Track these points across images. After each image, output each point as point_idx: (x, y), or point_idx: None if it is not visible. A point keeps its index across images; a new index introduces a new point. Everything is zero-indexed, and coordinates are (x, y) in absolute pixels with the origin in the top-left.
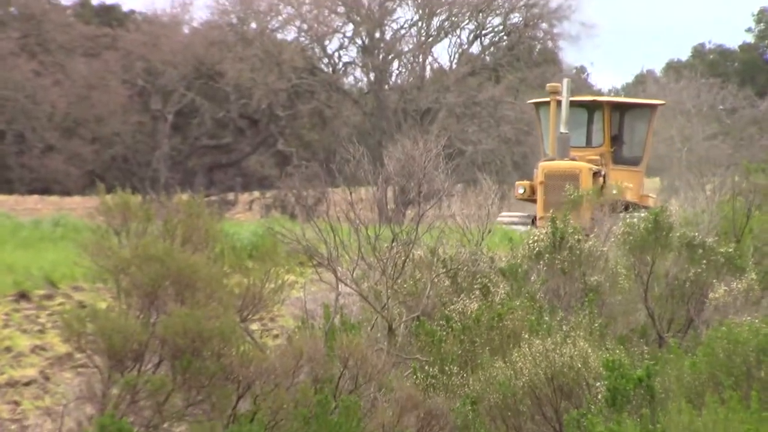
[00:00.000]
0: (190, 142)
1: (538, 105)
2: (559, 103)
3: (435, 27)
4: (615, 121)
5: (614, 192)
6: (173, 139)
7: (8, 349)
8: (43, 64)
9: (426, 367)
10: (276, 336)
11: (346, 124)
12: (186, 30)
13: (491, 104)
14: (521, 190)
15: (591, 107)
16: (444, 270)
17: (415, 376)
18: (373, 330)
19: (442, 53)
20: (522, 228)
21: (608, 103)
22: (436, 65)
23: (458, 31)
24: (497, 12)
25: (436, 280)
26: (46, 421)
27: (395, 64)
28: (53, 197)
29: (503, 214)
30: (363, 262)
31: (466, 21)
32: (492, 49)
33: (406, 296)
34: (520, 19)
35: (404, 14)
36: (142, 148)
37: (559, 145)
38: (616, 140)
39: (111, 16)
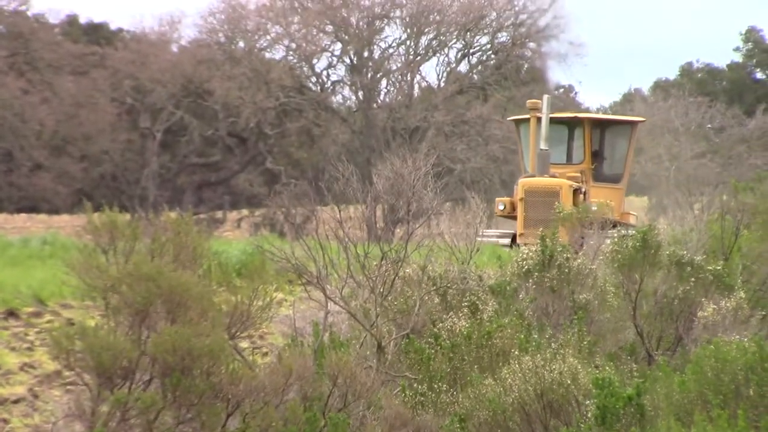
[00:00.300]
0: (178, 160)
1: (518, 122)
2: (539, 119)
3: (423, 46)
4: (596, 137)
5: (594, 209)
6: (162, 157)
7: None
8: (31, 82)
9: (415, 385)
10: (265, 354)
11: (335, 143)
12: (174, 48)
13: (479, 123)
14: (501, 207)
15: (572, 124)
16: (433, 288)
17: (404, 394)
18: (362, 348)
19: (431, 72)
20: (504, 243)
21: (588, 119)
22: (424, 84)
23: (446, 50)
24: (485, 31)
25: (425, 297)
26: None
27: (383, 82)
28: (42, 215)
29: (484, 231)
30: (352, 280)
31: (454, 40)
32: (480, 67)
33: (396, 314)
34: (508, 38)
35: (392, 33)
36: (130, 166)
37: (539, 162)
38: (596, 157)
39: (99, 34)
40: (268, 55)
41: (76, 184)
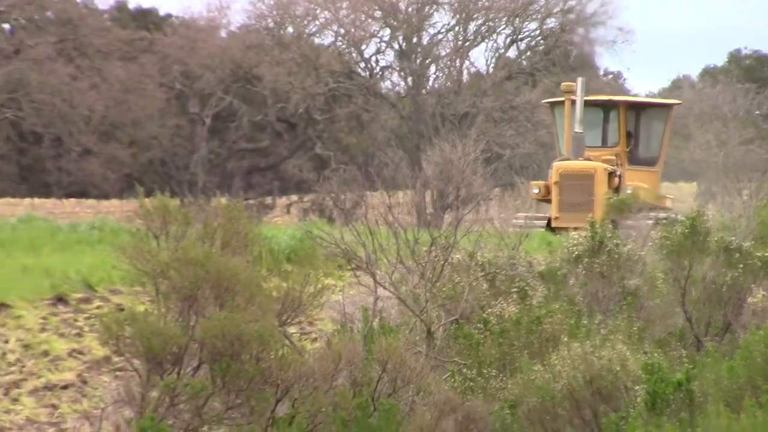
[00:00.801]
0: (227, 146)
1: (553, 104)
2: (573, 102)
3: (472, 31)
4: (631, 120)
5: (629, 192)
6: (211, 143)
7: (46, 353)
8: (80, 68)
9: (464, 371)
10: (314, 340)
11: (384, 128)
12: (223, 34)
13: (528, 108)
14: (536, 190)
15: (607, 107)
16: (482, 273)
17: (453, 380)
18: (411, 333)
19: (479, 57)
20: (538, 229)
21: (623, 102)
22: (473, 69)
23: (495, 36)
24: (534, 17)
25: (474, 283)
26: (84, 425)
27: (432, 68)
28: (91, 201)
29: (518, 215)
30: (402, 266)
31: (503, 25)
32: (528, 53)
33: (445, 300)
34: (557, 24)
35: (441, 19)
36: (179, 152)
37: (573, 145)
38: (631, 140)
39: (148, 19)
40: (317, 40)
41: (124, 169)
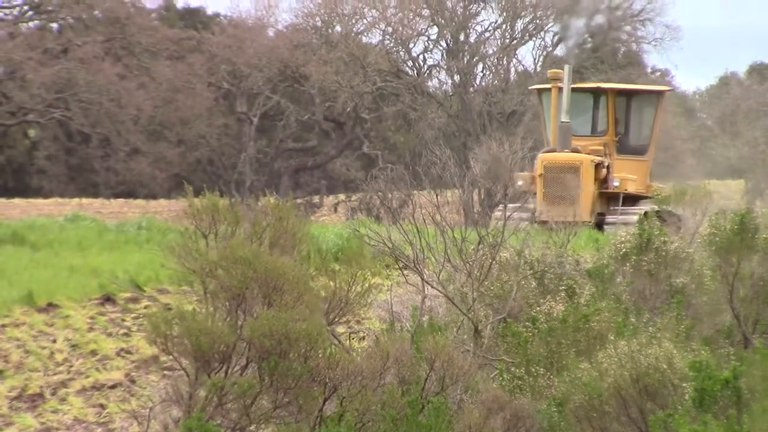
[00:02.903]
0: (275, 145)
1: (540, 91)
2: (560, 90)
3: (519, 29)
4: (620, 108)
5: (616, 184)
6: (258, 142)
7: (94, 353)
8: (128, 67)
9: (512, 369)
10: (362, 338)
11: (431, 127)
12: (271, 33)
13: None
14: (520, 182)
15: (596, 94)
16: (530, 272)
17: (501, 378)
18: (459, 332)
19: (527, 55)
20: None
21: (612, 89)
22: (520, 67)
23: (542, 34)
24: (581, 14)
25: (522, 282)
26: (132, 424)
27: (480, 66)
28: (139, 200)
29: (499, 207)
30: (449, 265)
31: (550, 23)
32: (576, 51)
33: (492, 298)
34: (604, 21)
35: (488, 17)
36: (227, 151)
37: (560, 135)
38: (620, 128)
39: (195, 19)
40: (364, 39)
41: (172, 169)
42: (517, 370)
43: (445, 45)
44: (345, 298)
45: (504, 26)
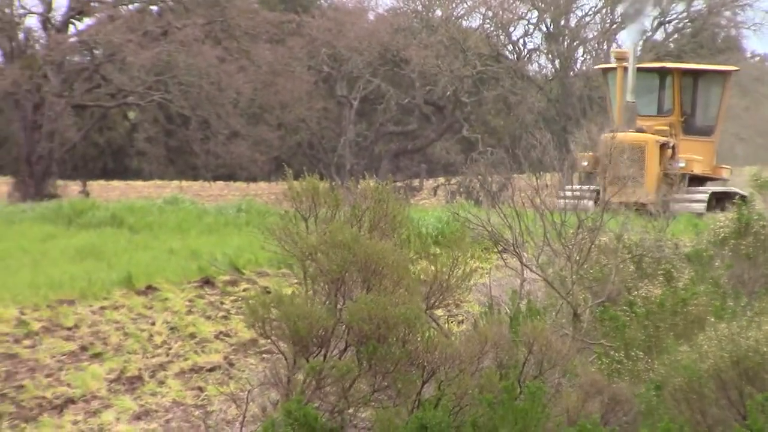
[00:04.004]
0: (375, 129)
1: (606, 71)
2: (626, 70)
3: (619, 14)
4: (686, 88)
5: (681, 165)
6: (358, 126)
7: (193, 336)
8: (227, 50)
9: (611, 353)
10: (461, 322)
11: (531, 111)
12: (371, 16)
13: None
14: (585, 163)
15: (662, 74)
16: (629, 255)
17: (599, 362)
18: (558, 316)
19: (626, 40)
20: (589, 204)
21: (678, 70)
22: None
23: (642, 18)
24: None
25: (620, 265)
26: (230, 407)
27: (580, 50)
28: (238, 183)
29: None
30: (548, 248)
31: (650, 8)
32: (676, 35)
33: (591, 282)
34: (704, 6)
35: (589, 1)
36: (327, 134)
37: (625, 115)
38: (685, 108)
39: (296, 2)
40: (464, 23)
41: (272, 152)
42: (616, 354)
43: (545, 29)
44: (446, 282)
45: (604, 11)
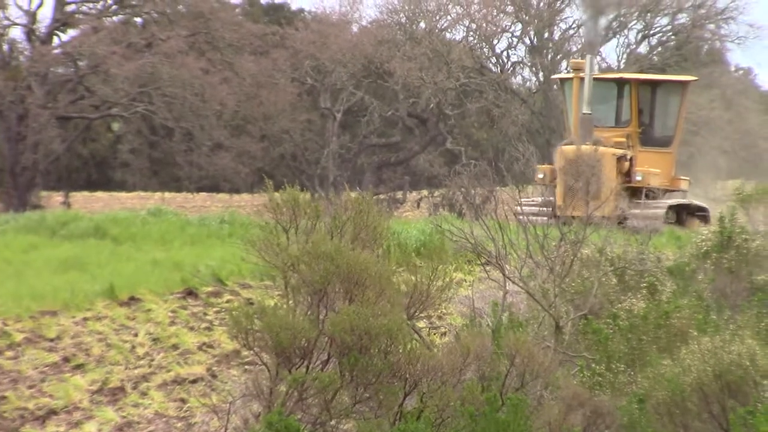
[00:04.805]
0: (358, 141)
1: (563, 81)
2: (582, 80)
3: (603, 27)
4: (644, 98)
5: (638, 178)
6: (342, 138)
7: (175, 347)
8: (211, 62)
9: (593, 365)
10: (443, 334)
11: (515, 124)
12: (355, 29)
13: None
14: (541, 175)
15: (620, 84)
16: (611, 269)
17: (581, 374)
18: (540, 328)
19: (611, 53)
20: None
21: (635, 80)
22: (604, 65)
23: (626, 31)
24: (665, 12)
25: (603, 278)
26: (212, 419)
27: (564, 63)
28: (222, 195)
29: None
30: (531, 261)
31: (634, 21)
32: (660, 49)
33: (574, 295)
34: (688, 19)
35: (572, 14)
36: (311, 146)
37: (581, 127)
38: (643, 118)
39: (279, 14)
40: (448, 35)
41: (256, 163)
42: (598, 367)
43: (529, 42)
44: (426, 292)
45: (588, 23)
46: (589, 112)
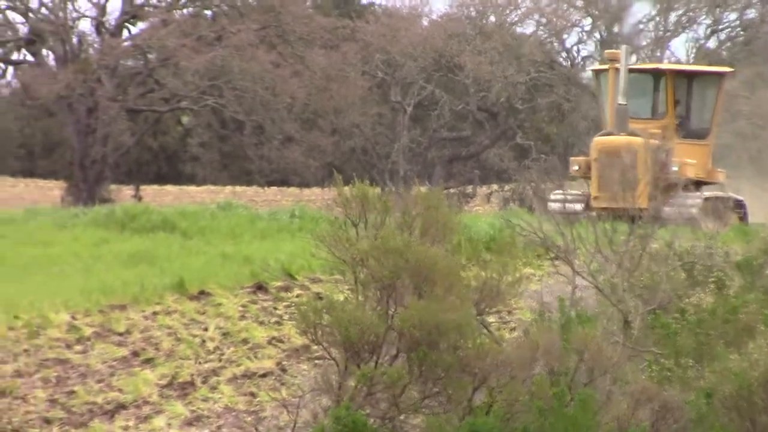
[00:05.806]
0: (429, 135)
1: (597, 72)
2: (617, 71)
3: (672, 22)
4: (680, 90)
5: (674, 169)
6: (412, 131)
7: (245, 341)
8: (282, 55)
9: (661, 360)
10: (513, 329)
11: (584, 118)
12: (425, 22)
13: (727, 98)
14: (575, 167)
15: (656, 75)
16: (680, 263)
17: (650, 369)
18: (608, 323)
19: (680, 48)
20: (577, 207)
21: (671, 71)
22: (673, 59)
23: (695, 26)
24: (734, 7)
25: (672, 273)
26: (282, 413)
27: (633, 58)
28: (292, 189)
29: (555, 192)
30: (600, 255)
31: (703, 16)
32: (728, 44)
33: (642, 289)
34: (756, 14)
35: (642, 9)
36: (381, 140)
37: (617, 118)
38: (680, 110)
39: (350, 7)
40: (518, 29)
41: (326, 157)
42: (666, 362)
43: (598, 36)
44: (496, 288)
45: (657, 18)
46: (625, 103)
